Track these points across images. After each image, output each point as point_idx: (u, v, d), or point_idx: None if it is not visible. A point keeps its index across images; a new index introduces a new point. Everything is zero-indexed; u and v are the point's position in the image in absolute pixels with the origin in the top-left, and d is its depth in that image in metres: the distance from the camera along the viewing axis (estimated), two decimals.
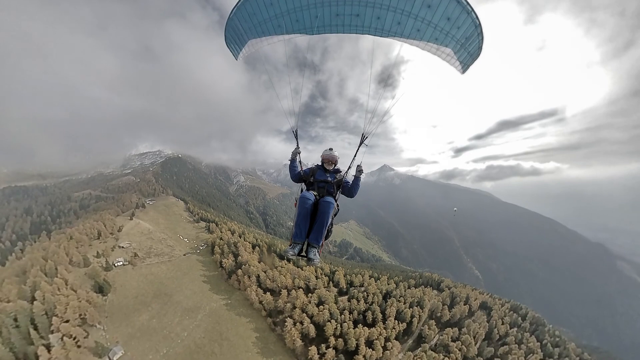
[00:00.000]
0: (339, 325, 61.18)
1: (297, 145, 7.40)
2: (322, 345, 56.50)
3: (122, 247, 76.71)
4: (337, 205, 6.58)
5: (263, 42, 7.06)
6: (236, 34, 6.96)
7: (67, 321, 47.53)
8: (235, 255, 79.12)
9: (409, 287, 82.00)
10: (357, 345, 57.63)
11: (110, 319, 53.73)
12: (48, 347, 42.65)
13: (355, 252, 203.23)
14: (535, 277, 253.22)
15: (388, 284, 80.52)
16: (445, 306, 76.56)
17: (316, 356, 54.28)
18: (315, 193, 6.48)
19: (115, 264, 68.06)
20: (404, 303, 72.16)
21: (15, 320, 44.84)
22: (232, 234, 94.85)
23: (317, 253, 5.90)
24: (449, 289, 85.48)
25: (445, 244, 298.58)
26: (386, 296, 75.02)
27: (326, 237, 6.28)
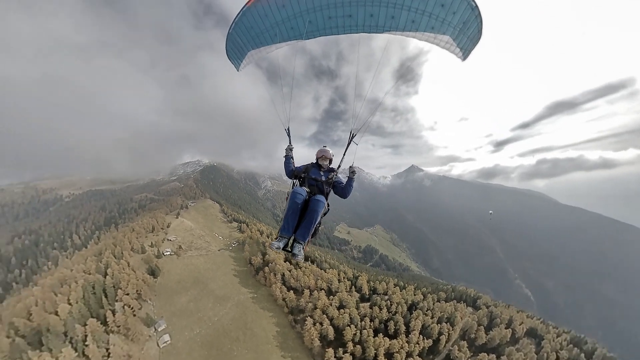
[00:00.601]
0: (358, 331, 60.69)
1: (290, 142, 7.59)
2: (340, 349, 56.57)
3: (170, 240, 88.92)
4: (328, 205, 6.63)
5: (262, 51, 7.36)
6: (236, 47, 7.27)
7: (127, 294, 57.44)
8: (263, 254, 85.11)
9: (438, 301, 76.67)
10: (376, 356, 56.03)
11: (158, 298, 62.86)
12: (113, 312, 52.21)
13: (380, 259, 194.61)
14: (609, 302, 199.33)
15: (414, 295, 76.81)
16: (482, 327, 68.03)
17: (333, 359, 54.56)
18: (307, 190, 6.57)
19: (164, 253, 79.33)
20: (432, 317, 67.85)
21: (93, 288, 56.06)
22: (261, 234, 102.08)
23: (301, 249, 5.97)
24: (487, 308, 76.24)
25: (486, 254, 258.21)
26: (411, 307, 71.69)
27: (313, 235, 6.38)
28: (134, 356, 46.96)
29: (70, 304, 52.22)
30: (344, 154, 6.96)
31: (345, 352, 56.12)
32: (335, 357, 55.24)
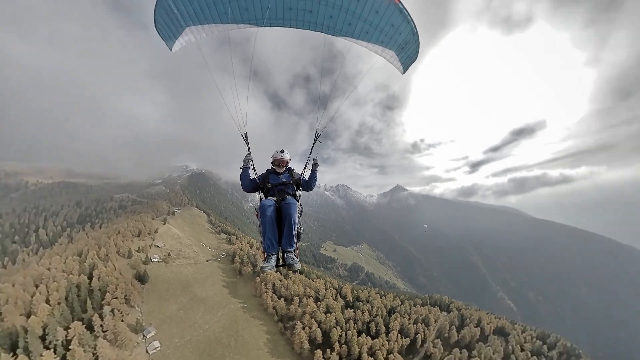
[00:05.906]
0: (344, 332, 64.28)
1: (248, 151, 6.86)
2: (328, 350, 59.20)
3: (158, 246, 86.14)
4: (301, 205, 6.49)
5: (205, 30, 6.11)
6: (170, 19, 5.77)
7: (116, 298, 55.23)
8: (254, 265, 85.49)
9: (414, 305, 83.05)
10: (360, 354, 59.68)
11: (147, 304, 60.61)
12: (101, 316, 49.99)
13: (367, 277, 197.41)
14: (586, 306, 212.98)
15: (393, 301, 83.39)
16: (454, 327, 74.51)
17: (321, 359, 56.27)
18: (274, 199, 6.31)
19: (152, 260, 76.80)
20: (409, 319, 73.61)
21: (78, 289, 53.42)
22: (251, 247, 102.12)
23: (294, 257, 5.69)
24: (458, 311, 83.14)
25: (470, 270, 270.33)
26: (391, 311, 77.45)
27: (298, 239, 6.10)
28: None
29: (49, 304, 49.33)
30: (310, 154, 7.10)
31: (332, 351, 58.73)
32: (323, 357, 57.10)
